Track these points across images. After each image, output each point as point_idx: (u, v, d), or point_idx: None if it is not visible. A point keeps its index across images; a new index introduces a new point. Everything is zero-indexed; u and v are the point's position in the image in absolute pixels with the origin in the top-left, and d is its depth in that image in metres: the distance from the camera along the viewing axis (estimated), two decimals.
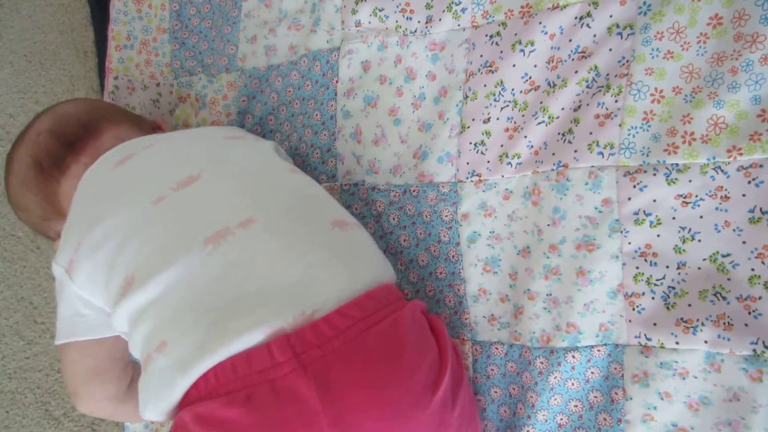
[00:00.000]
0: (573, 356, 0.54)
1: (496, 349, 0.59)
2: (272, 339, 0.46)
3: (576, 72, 0.54)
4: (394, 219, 0.64)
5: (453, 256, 0.60)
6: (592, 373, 0.54)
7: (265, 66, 0.73)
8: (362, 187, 0.66)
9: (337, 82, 0.67)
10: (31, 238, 1.07)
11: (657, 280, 0.51)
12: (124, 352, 0.61)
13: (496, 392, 0.59)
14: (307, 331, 0.46)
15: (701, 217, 0.49)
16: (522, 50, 0.56)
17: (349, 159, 0.67)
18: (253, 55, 0.74)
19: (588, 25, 0.53)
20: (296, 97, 0.71)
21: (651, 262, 0.51)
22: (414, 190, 0.62)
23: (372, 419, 0.45)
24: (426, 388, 0.48)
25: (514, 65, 0.57)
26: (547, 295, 0.55)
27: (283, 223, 0.53)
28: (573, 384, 0.54)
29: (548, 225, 0.55)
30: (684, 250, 0.50)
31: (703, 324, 0.48)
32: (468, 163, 0.59)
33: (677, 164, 0.49)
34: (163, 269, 0.50)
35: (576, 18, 0.54)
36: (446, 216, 0.60)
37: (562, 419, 0.55)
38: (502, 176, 0.57)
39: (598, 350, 0.53)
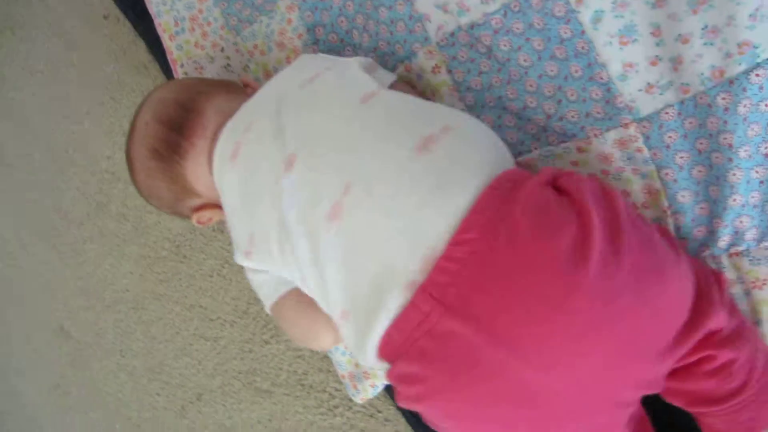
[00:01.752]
0: (756, 75, 0.49)
1: (666, 114, 0.55)
2: (414, 294, 0.48)
3: None
4: (505, 45, 0.61)
5: (582, 48, 0.57)
6: None
7: None
8: (460, 32, 0.64)
9: None
10: (175, 252, 1.14)
11: None
12: None
13: (682, 157, 0.56)
14: (436, 274, 0.47)
15: None
16: None
17: (434, 13, 0.65)
18: None
19: None
20: None
21: None
22: (514, 6, 0.59)
23: (529, 326, 0.45)
24: (576, 265, 0.45)
25: None
26: (702, 29, 0.51)
27: (373, 177, 0.52)
28: (767, 105, 0.50)
29: None
30: None
31: None
32: None
33: None
34: (316, 257, 0.54)
35: None
36: (559, 12, 0.57)
37: (767, 148, 0.51)
38: None
39: None
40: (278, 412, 1.06)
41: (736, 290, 0.57)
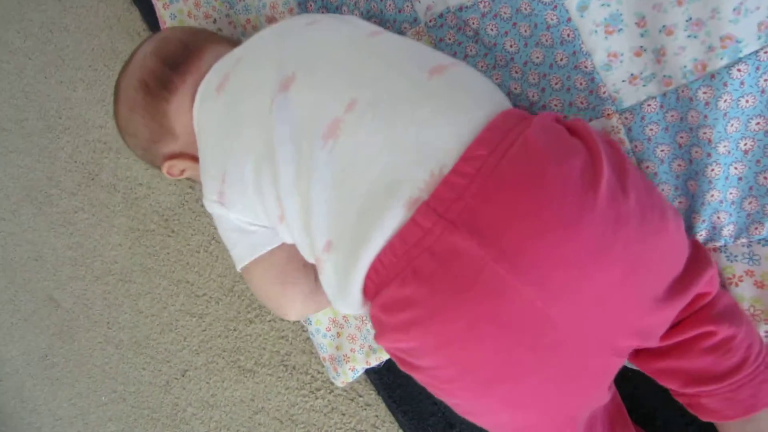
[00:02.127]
0: (738, 70, 0.49)
1: (649, 106, 0.55)
2: (415, 210, 0.46)
3: None
4: (492, 30, 0.61)
5: (568, 35, 0.56)
6: (766, 80, 0.49)
7: None
8: (448, 14, 0.63)
9: None
10: (164, 225, 1.14)
11: None
12: (298, 252, 0.63)
13: (662, 150, 0.55)
14: (441, 189, 0.46)
15: None
16: None
17: None
18: None
19: None
20: None
21: None
22: None
23: (536, 241, 0.43)
24: (585, 189, 0.44)
25: None
26: (687, 21, 0.50)
27: (382, 92, 0.51)
28: (747, 101, 0.50)
29: None
30: None
31: None
32: None
33: None
34: (301, 180, 0.51)
35: None
36: None
37: (746, 144, 0.51)
38: None
39: (765, 52, 0.48)
40: (261, 392, 1.07)
41: None
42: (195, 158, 0.67)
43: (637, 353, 0.56)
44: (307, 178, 0.51)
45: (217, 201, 0.61)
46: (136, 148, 0.72)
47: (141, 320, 1.23)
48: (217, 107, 0.61)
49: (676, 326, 0.52)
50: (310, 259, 0.57)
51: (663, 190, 0.56)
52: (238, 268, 0.65)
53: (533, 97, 0.61)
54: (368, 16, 0.68)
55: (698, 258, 0.52)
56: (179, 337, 1.17)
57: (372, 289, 0.49)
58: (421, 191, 0.46)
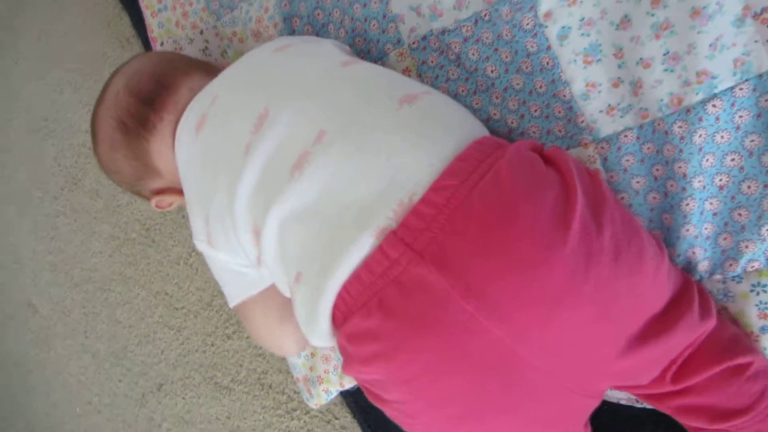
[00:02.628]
0: (713, 105, 0.49)
1: (625, 137, 0.54)
2: (383, 239, 0.45)
3: None
4: (474, 54, 0.61)
5: (548, 63, 0.56)
6: (741, 117, 0.49)
7: None
8: (431, 37, 0.63)
9: None
10: (144, 235, 1.13)
11: None
12: None
13: (638, 182, 0.55)
14: (410, 219, 0.45)
15: None
16: None
17: (408, 15, 0.64)
18: None
19: None
20: None
21: None
22: (485, 15, 0.58)
23: (506, 280, 0.42)
24: (556, 225, 0.43)
25: None
26: (664, 54, 0.50)
27: (352, 122, 0.50)
28: (722, 136, 0.49)
29: None
30: None
31: None
32: None
33: None
34: (272, 214, 0.50)
35: None
36: (527, 24, 0.56)
37: (721, 180, 0.51)
38: None
39: (740, 89, 0.48)
40: (236, 410, 1.05)
41: None
42: (182, 192, 0.66)
43: (653, 395, 0.54)
44: (278, 211, 0.50)
45: (205, 242, 0.60)
46: (122, 183, 0.73)
47: (119, 330, 1.21)
48: (196, 149, 0.60)
49: (688, 361, 0.50)
50: (286, 292, 0.56)
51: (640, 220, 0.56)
52: (231, 304, 0.64)
53: (512, 123, 0.60)
54: (353, 36, 0.68)
55: (685, 295, 0.49)
56: (156, 349, 1.15)
57: (340, 318, 0.48)
58: (390, 220, 0.45)
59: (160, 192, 0.71)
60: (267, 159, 0.52)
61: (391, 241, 0.44)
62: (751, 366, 0.50)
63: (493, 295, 0.42)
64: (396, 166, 0.47)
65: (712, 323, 0.50)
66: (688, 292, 0.50)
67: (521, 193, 0.44)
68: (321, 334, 0.50)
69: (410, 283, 0.44)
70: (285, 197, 0.50)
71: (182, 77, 0.68)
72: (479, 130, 0.53)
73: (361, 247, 0.45)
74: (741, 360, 0.49)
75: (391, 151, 0.48)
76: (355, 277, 0.46)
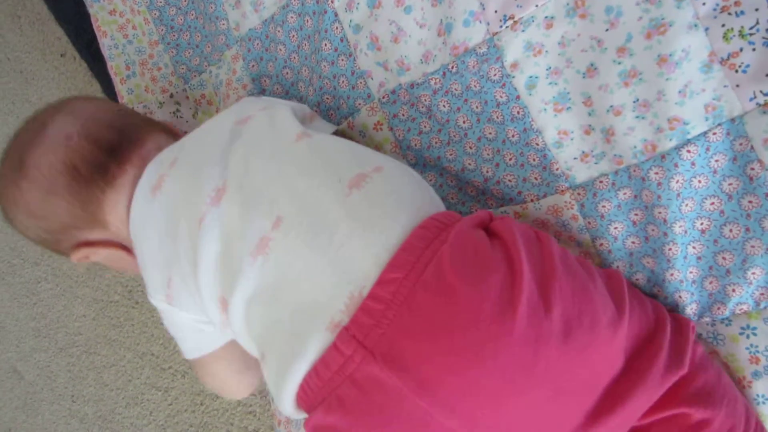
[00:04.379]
0: (688, 151, 0.48)
1: (601, 183, 0.53)
2: (336, 335, 0.45)
3: None
4: (444, 106, 0.60)
5: (518, 113, 0.55)
6: (717, 161, 0.48)
7: (260, 23, 0.71)
8: (401, 90, 0.62)
9: (332, 1, 0.63)
10: (127, 297, 1.11)
11: (750, 28, 0.44)
12: None
13: (616, 228, 0.54)
14: (360, 315, 0.44)
15: None
16: None
17: (376, 71, 0.63)
18: (244, 18, 0.71)
19: None
20: (302, 38, 0.68)
21: (736, 12, 0.44)
22: (452, 67, 0.58)
23: (455, 375, 0.42)
24: (502, 312, 0.42)
25: None
26: (633, 102, 0.49)
27: (304, 211, 0.50)
28: (700, 181, 0.48)
29: (606, 30, 0.49)
30: None
31: None
32: (496, 12, 0.54)
33: None
34: (236, 291, 0.50)
35: None
36: (495, 75, 0.55)
37: (702, 224, 0.50)
38: (536, 6, 0.52)
39: (714, 134, 0.47)
40: None
41: None
42: (124, 247, 0.64)
43: None
44: (242, 291, 0.50)
45: (163, 300, 0.59)
46: (37, 229, 0.65)
47: (106, 393, 1.18)
48: (153, 211, 0.58)
49: (654, 405, 0.48)
50: (253, 354, 0.56)
51: (618, 266, 0.54)
52: (188, 356, 0.62)
53: (488, 172, 0.60)
54: (321, 93, 0.68)
55: (650, 346, 0.47)
56: (145, 411, 1.12)
57: (305, 406, 0.48)
58: (342, 314, 0.45)
59: (92, 244, 0.65)
60: (226, 237, 0.52)
61: (344, 338, 0.44)
62: (711, 422, 0.48)
63: (445, 391, 0.42)
64: (346, 258, 0.46)
65: (681, 372, 0.48)
66: (657, 339, 0.48)
67: (464, 282, 0.43)
68: (289, 410, 0.50)
69: (365, 381, 0.43)
70: (247, 279, 0.49)
71: (146, 133, 0.66)
72: (429, 208, 0.51)
73: (318, 342, 0.45)
74: (702, 414, 0.47)
75: (340, 243, 0.47)
76: (314, 372, 0.45)
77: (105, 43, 0.87)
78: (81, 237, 0.64)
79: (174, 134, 0.71)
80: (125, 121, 0.67)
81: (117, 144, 0.63)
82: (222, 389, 0.66)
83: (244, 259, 0.50)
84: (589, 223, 0.55)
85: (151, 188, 0.59)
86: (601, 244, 0.54)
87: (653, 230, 0.51)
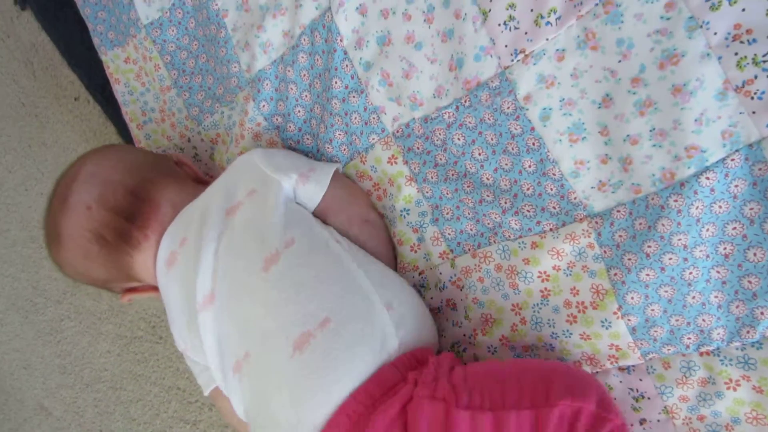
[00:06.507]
0: (707, 178, 0.48)
1: (618, 212, 0.53)
2: None
3: None
4: (459, 139, 0.60)
5: (534, 144, 0.56)
6: (737, 186, 0.48)
7: (269, 64, 0.72)
8: (414, 124, 0.63)
9: (341, 40, 0.64)
10: (151, 332, 1.12)
11: (764, 55, 0.44)
12: None
13: (629, 259, 0.53)
14: None
15: None
16: None
17: (389, 106, 0.64)
18: (254, 59, 0.72)
19: None
20: (313, 77, 0.69)
21: (748, 40, 0.44)
22: (465, 101, 0.58)
23: None
24: None
25: None
26: (650, 131, 0.49)
27: (261, 356, 0.56)
28: (720, 207, 0.48)
29: (619, 61, 0.49)
30: None
31: None
32: (506, 46, 0.54)
33: None
34: (227, 385, 0.60)
35: None
36: (508, 108, 0.56)
37: (726, 248, 0.50)
38: (547, 39, 0.52)
39: (732, 160, 0.47)
40: None
41: (708, 390, 0.54)
42: (157, 289, 0.68)
43: None
44: (232, 390, 0.59)
45: (182, 350, 0.67)
46: (87, 280, 0.72)
47: (134, 428, 1.18)
48: (170, 282, 0.64)
49: None
50: None
51: (633, 298, 0.54)
52: (206, 392, 0.67)
53: (506, 203, 0.60)
54: (334, 130, 0.68)
55: None
56: None
57: None
58: None
59: (134, 290, 0.73)
60: (218, 339, 0.60)
61: None
62: None
63: None
64: (287, 420, 0.53)
65: None
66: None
67: None
68: None
69: None
70: (234, 391, 0.59)
71: (157, 191, 0.68)
72: (368, 367, 0.53)
73: None
74: None
75: (282, 405, 0.54)
76: None
77: (118, 90, 0.88)
78: (125, 286, 0.72)
79: (180, 178, 0.74)
80: (134, 179, 0.68)
81: (135, 208, 0.66)
82: (230, 424, 0.71)
83: (228, 372, 0.58)
84: (605, 252, 0.55)
85: (165, 263, 0.64)
86: (616, 274, 0.54)
87: (671, 259, 0.51)
